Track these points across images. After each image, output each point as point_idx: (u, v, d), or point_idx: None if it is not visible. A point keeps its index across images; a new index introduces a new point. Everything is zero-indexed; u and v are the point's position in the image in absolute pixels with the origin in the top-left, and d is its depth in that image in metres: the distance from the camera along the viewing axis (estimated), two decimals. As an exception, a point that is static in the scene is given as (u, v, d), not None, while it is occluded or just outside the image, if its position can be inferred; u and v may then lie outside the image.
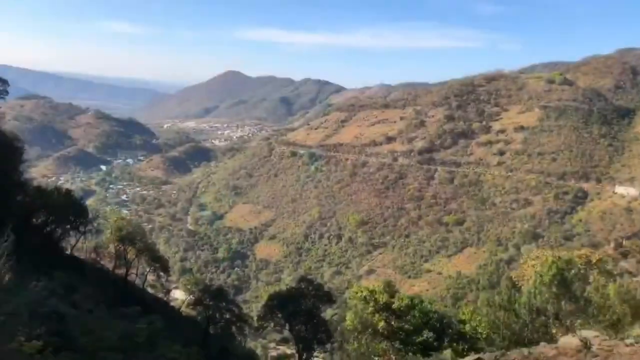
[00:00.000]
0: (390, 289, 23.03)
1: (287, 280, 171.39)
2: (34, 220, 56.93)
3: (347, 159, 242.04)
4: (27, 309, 12.63)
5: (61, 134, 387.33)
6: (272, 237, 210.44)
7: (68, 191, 59.90)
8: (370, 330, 21.67)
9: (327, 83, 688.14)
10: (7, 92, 56.03)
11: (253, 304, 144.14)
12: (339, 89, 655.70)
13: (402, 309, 21.98)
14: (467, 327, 22.60)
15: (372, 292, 22.44)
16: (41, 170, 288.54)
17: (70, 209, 54.58)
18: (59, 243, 60.60)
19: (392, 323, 21.87)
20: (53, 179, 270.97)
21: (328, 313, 59.35)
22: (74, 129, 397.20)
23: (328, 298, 47.62)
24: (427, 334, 21.63)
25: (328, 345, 42.44)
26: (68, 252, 62.16)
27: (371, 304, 22.02)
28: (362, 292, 22.80)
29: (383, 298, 21.93)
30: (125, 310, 45.11)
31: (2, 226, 53.78)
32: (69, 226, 57.91)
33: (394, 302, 22.04)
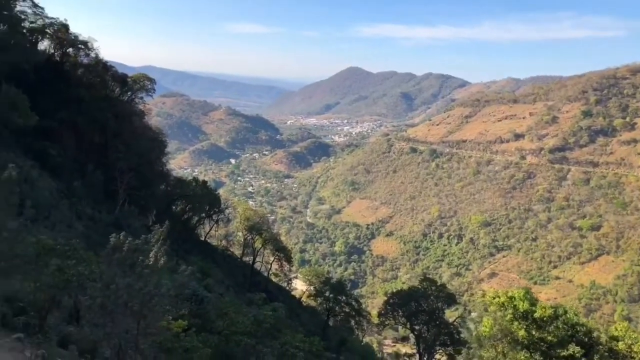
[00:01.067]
0: (530, 296, 21.25)
1: (404, 279, 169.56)
2: (173, 207, 62.28)
3: (470, 157, 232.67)
4: (176, 291, 13.45)
5: (196, 128, 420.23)
6: (389, 234, 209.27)
7: (204, 182, 64.53)
8: (508, 338, 20.19)
9: (450, 77, 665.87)
10: (154, 90, 61.58)
11: (369, 300, 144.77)
12: (463, 84, 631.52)
13: (544, 318, 20.17)
14: (621, 345, 20.11)
15: (510, 298, 20.89)
16: (178, 162, 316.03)
17: (205, 199, 58.69)
18: (195, 230, 65.63)
19: (533, 333, 20.16)
20: (188, 170, 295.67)
21: (447, 315, 57.38)
22: (207, 125, 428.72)
23: (451, 300, 45.88)
24: (573, 348, 19.59)
25: (451, 348, 40.86)
26: (202, 238, 67.17)
27: (510, 310, 20.49)
28: (499, 297, 21.31)
29: (524, 305, 20.29)
30: (252, 296, 47.50)
31: (148, 212, 58.66)
32: (203, 214, 62.50)
33: (535, 311, 20.29)
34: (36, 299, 14.90)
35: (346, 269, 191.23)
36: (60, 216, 37.06)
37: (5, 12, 40.87)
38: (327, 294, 50.74)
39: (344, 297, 50.92)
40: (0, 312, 13.52)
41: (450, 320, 47.53)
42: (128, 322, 12.83)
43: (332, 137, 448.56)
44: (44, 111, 40.77)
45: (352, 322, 51.82)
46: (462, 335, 45.20)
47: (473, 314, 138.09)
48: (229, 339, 19.12)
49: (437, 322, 41.63)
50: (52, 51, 53.13)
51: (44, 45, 52.42)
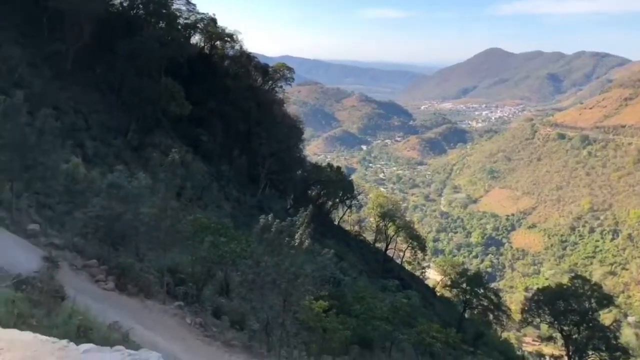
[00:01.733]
0: None
1: (547, 274, 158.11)
2: (309, 192, 64.61)
3: (630, 144, 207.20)
4: (318, 272, 13.70)
5: (329, 116, 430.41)
6: (532, 226, 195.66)
7: (338, 168, 65.85)
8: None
9: (606, 55, 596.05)
10: (293, 79, 64.22)
11: (507, 294, 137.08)
12: (623, 62, 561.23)
13: None
14: None
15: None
16: (312, 149, 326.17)
17: (339, 184, 59.93)
18: (329, 214, 67.44)
19: None
20: (321, 156, 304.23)
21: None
22: (339, 112, 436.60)
23: (608, 301, 41.29)
24: None
25: (606, 353, 36.82)
26: (335, 222, 68.79)
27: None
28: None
29: None
30: (385, 283, 47.48)
31: (286, 195, 61.61)
32: (337, 199, 63.96)
33: None
34: (194, 272, 16.23)
35: (482, 260, 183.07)
36: (211, 197, 40.42)
37: (164, 11, 45.16)
38: (463, 285, 48.88)
39: (481, 290, 48.64)
40: (165, 281, 14.95)
41: (605, 323, 42.93)
42: (273, 299, 13.43)
43: (469, 122, 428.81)
44: (196, 101, 44.52)
45: (490, 316, 49.36)
46: (619, 341, 40.61)
47: (630, 318, 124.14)
48: (366, 324, 19.16)
49: (590, 324, 37.77)
50: (202, 44, 57.71)
51: (195, 39, 57.23)
